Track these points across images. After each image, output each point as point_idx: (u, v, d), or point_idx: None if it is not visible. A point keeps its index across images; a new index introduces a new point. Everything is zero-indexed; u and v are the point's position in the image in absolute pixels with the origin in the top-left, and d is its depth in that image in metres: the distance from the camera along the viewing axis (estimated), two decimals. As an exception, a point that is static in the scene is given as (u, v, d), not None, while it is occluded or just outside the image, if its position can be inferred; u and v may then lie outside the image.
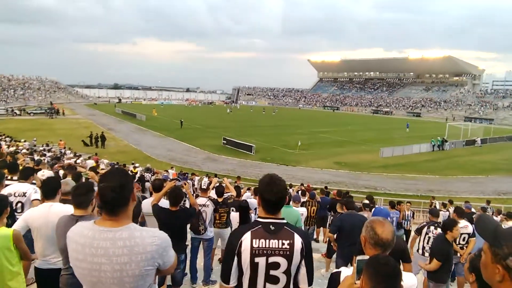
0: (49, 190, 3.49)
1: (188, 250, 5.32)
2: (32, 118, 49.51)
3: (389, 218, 4.09)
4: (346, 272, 2.20)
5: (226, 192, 7.05)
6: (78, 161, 16.96)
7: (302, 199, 8.96)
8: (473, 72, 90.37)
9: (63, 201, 3.56)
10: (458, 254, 6.17)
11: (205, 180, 6.51)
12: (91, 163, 16.37)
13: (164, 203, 4.73)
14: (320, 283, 5.47)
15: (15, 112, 52.79)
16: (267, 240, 2.06)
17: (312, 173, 22.45)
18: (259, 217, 2.17)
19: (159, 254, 1.82)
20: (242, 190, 9.00)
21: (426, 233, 6.31)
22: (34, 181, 5.46)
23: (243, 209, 5.75)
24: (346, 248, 5.47)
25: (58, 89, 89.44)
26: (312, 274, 2.18)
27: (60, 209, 3.26)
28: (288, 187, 14.19)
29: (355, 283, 1.86)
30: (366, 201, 8.60)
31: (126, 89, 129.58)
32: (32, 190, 4.47)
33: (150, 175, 14.81)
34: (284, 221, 2.15)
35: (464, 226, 6.24)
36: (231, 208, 6.51)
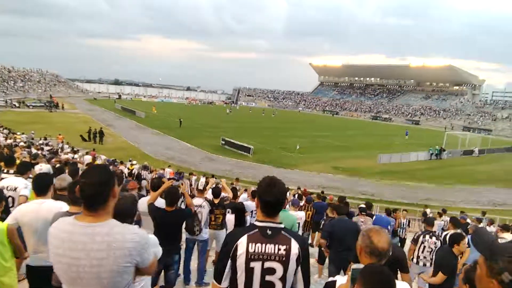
0: (41, 186, 3.44)
1: (182, 251, 5.30)
2: (31, 111, 49.37)
3: (389, 227, 4.10)
4: (341, 280, 2.19)
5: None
6: (76, 156, 16.95)
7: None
8: (474, 82, 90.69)
9: (59, 196, 3.54)
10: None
11: (202, 180, 6.50)
12: (88, 158, 16.35)
13: (160, 202, 4.71)
14: (313, 289, 5.45)
15: (14, 104, 52.60)
16: (264, 245, 2.03)
17: (309, 177, 22.46)
18: (256, 220, 2.14)
19: (137, 251, 1.83)
20: (238, 192, 8.99)
21: (422, 242, 6.32)
22: (31, 176, 5.44)
23: (239, 211, 5.77)
24: (338, 254, 5.45)
25: (58, 82, 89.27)
26: (308, 278, 2.16)
27: (52, 206, 3.22)
28: (285, 191, 14.24)
29: None
30: (363, 205, 8.59)
31: (126, 85, 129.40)
32: (22, 185, 4.39)
33: (147, 173, 14.78)
34: (282, 225, 2.12)
35: (459, 236, 6.25)
36: (227, 210, 6.50)
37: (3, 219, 3.21)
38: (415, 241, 6.41)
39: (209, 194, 6.42)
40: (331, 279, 2.29)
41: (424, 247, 6.29)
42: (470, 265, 2.74)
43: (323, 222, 6.78)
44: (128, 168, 14.40)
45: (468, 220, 11.71)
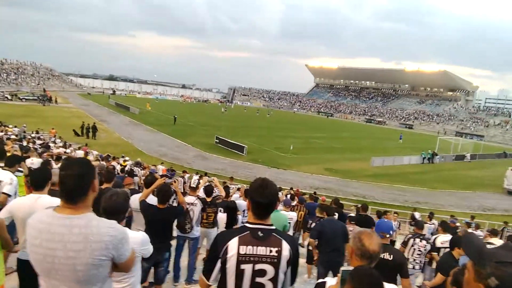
0: (38, 181, 3.41)
1: (172, 248, 5.28)
2: (23, 104, 48.86)
3: (391, 231, 4.12)
4: (331, 282, 2.20)
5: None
6: (68, 150, 16.81)
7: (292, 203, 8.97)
8: (467, 88, 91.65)
9: (52, 191, 3.50)
10: (440, 267, 6.23)
11: (195, 178, 6.48)
12: (80, 153, 16.21)
13: (152, 199, 4.68)
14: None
15: (6, 97, 51.99)
16: (255, 247, 2.02)
17: (302, 178, 22.52)
18: (247, 222, 2.13)
19: (113, 245, 1.84)
20: (231, 191, 8.98)
21: (412, 245, 6.36)
22: (20, 169, 5.36)
23: (231, 210, 5.75)
24: (327, 254, 5.47)
25: (52, 76, 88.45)
26: (295, 277, 2.18)
27: (47, 202, 3.19)
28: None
29: None
30: (352, 214, 8.63)
31: (121, 81, 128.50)
32: (7, 180, 4.24)
33: (139, 169, 14.70)
34: (273, 227, 2.12)
35: (448, 240, 6.31)
36: (219, 209, 6.49)
37: None
38: (405, 243, 6.46)
39: (201, 192, 6.41)
40: (320, 280, 2.30)
41: (414, 249, 6.34)
42: (459, 268, 2.77)
43: (310, 222, 6.81)
44: (121, 164, 14.30)
45: (458, 224, 11.84)
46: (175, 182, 6.47)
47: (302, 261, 7.37)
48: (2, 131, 18.32)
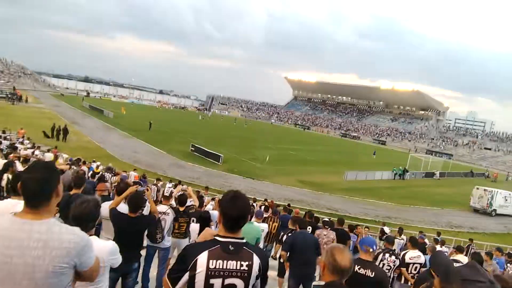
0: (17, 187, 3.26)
1: (142, 258, 5.13)
2: (-10, 102, 46.87)
3: (374, 247, 4.16)
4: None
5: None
6: (36, 152, 16.16)
7: (264, 215, 8.96)
8: (438, 108, 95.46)
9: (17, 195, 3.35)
10: (409, 283, 6.35)
11: (168, 186, 6.37)
12: (49, 156, 15.67)
13: (123, 207, 4.56)
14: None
15: (-28, 94, 49.77)
16: (225, 261, 2.00)
17: (277, 189, 22.58)
18: (218, 235, 2.09)
19: (76, 252, 1.78)
20: (205, 201, 8.88)
21: (381, 260, 6.47)
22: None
23: (204, 220, 5.67)
24: (298, 267, 5.47)
25: (24, 74, 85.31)
26: (264, 286, 2.17)
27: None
28: (252, 202, 14.19)
29: None
30: (326, 219, 8.72)
31: (96, 83, 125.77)
32: None
33: (111, 175, 14.30)
34: (244, 240, 2.10)
35: (417, 256, 6.46)
36: (192, 219, 6.39)
37: None
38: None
39: (174, 201, 6.30)
40: None
41: (383, 264, 6.43)
42: (427, 284, 2.84)
43: (282, 234, 6.84)
44: (94, 171, 13.83)
45: (426, 240, 12.16)
46: (147, 190, 6.33)
47: (274, 274, 7.34)
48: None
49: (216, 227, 6.47)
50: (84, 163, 16.20)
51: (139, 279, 5.35)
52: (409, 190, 29.68)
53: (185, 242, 6.11)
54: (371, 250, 4.02)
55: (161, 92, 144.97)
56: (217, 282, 1.99)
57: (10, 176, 5.53)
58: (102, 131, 36.67)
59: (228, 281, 2.00)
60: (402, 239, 11.54)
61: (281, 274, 6.86)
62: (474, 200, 25.93)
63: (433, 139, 79.70)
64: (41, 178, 1.78)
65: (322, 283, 2.13)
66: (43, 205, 1.79)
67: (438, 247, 9.61)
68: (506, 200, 25.93)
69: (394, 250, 7.34)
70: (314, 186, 24.95)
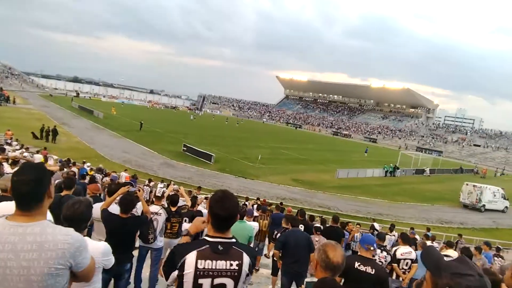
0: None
1: (134, 259, 5.11)
2: (-23, 103, 46.01)
3: (375, 245, 4.19)
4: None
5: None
6: (26, 154, 15.92)
7: (255, 213, 8.97)
8: (428, 106, 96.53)
9: (2, 198, 3.30)
10: (400, 279, 6.43)
11: (160, 186, 6.35)
12: (39, 157, 15.46)
13: (114, 208, 4.52)
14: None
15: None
16: (214, 261, 1.99)
17: (269, 188, 22.62)
18: (207, 235, 2.09)
19: (70, 253, 1.77)
20: (198, 200, 8.86)
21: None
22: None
23: (197, 220, 5.68)
24: (290, 265, 5.50)
25: (11, 75, 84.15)
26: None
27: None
28: (244, 201, 14.19)
29: None
30: (317, 225, 8.76)
31: (86, 84, 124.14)
32: None
33: (101, 176, 14.18)
34: (233, 240, 2.10)
35: (408, 252, 6.54)
36: (184, 218, 6.37)
37: None
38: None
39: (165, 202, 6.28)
40: None
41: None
42: (421, 279, 2.89)
43: (276, 232, 6.87)
44: (87, 172, 13.65)
45: (417, 236, 12.31)
46: (139, 190, 6.29)
47: (267, 272, 7.37)
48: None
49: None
50: (74, 164, 16.04)
51: (132, 279, 5.33)
52: (400, 187, 29.98)
53: (177, 242, 6.08)
54: (372, 248, 4.07)
55: (151, 92, 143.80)
56: (206, 282, 1.98)
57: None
58: (92, 132, 36.29)
59: (217, 281, 2.00)
60: (394, 235, 11.66)
61: (274, 272, 6.87)
62: (463, 196, 26.30)
63: (423, 136, 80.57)
64: (32, 180, 1.75)
65: (315, 279, 2.15)
66: (36, 207, 1.77)
67: (429, 243, 9.73)
68: (495, 195, 26.36)
69: (386, 246, 7.42)
70: (306, 184, 25.05)
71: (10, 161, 10.42)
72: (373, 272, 3.76)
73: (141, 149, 29.97)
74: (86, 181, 9.04)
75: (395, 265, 6.47)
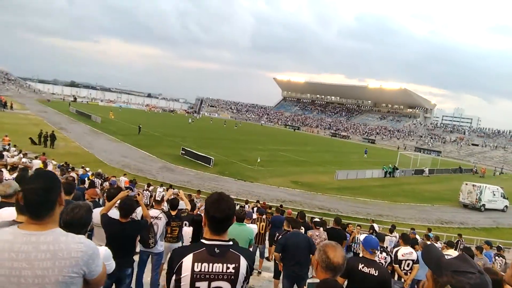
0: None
1: (135, 264, 5.09)
2: (-25, 109, 45.93)
3: (378, 247, 4.26)
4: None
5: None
6: (24, 160, 15.89)
7: (254, 216, 8.99)
8: (426, 106, 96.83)
9: (3, 204, 3.29)
10: (402, 280, 6.42)
11: (159, 190, 6.33)
12: (37, 163, 15.42)
13: (114, 213, 4.51)
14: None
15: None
16: (211, 264, 1.98)
17: (269, 191, 22.60)
18: (203, 238, 2.08)
19: (84, 261, 1.77)
20: (198, 204, 8.85)
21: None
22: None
23: (197, 223, 5.65)
24: (290, 267, 5.49)
25: (7, 80, 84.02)
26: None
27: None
28: (244, 203, 14.19)
29: None
30: (317, 219, 8.77)
31: (83, 88, 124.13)
32: None
33: (100, 181, 14.16)
34: (230, 243, 2.09)
35: (409, 252, 6.53)
36: (184, 222, 6.36)
37: None
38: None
39: (165, 205, 6.27)
40: None
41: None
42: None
43: (277, 235, 6.86)
44: (89, 178, 13.61)
45: (417, 236, 12.31)
46: (139, 194, 6.28)
47: (269, 275, 7.35)
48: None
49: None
50: (73, 169, 16.02)
51: (133, 284, 5.30)
52: (399, 187, 29.99)
53: (178, 246, 6.07)
54: (376, 251, 4.14)
55: (149, 95, 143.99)
56: (203, 285, 1.98)
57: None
58: (90, 136, 36.24)
59: (214, 284, 1.99)
60: (395, 236, 11.66)
61: (276, 275, 6.86)
62: (463, 196, 26.31)
63: (421, 136, 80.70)
64: (43, 188, 1.75)
65: (317, 280, 2.15)
66: (47, 215, 1.77)
67: (433, 243, 9.74)
68: (494, 195, 26.39)
69: (385, 247, 7.42)
70: (305, 186, 25.04)
71: (8, 167, 10.39)
72: (376, 274, 3.80)
73: (140, 153, 29.93)
74: (86, 186, 9.03)
75: (396, 266, 6.47)
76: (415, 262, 6.45)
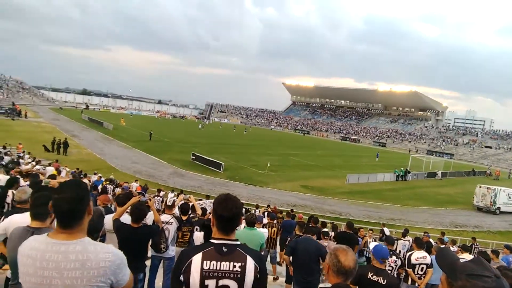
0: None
1: (147, 269, 5.12)
2: (-10, 118, 46.96)
3: (388, 257, 4.35)
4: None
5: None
6: (38, 167, 16.18)
7: (264, 221, 8.95)
8: (437, 108, 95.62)
9: (18, 210, 3.35)
10: (416, 284, 6.32)
11: (171, 196, 6.37)
12: (51, 170, 15.67)
13: (127, 218, 4.55)
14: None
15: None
16: (218, 262, 2.01)
17: (279, 195, 22.53)
18: (212, 238, 2.12)
19: (112, 270, 1.80)
20: (208, 209, 8.87)
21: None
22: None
23: (208, 227, 5.68)
24: (300, 273, 5.45)
25: (22, 89, 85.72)
26: None
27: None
28: (255, 208, 14.17)
29: None
30: (326, 230, 8.68)
31: (95, 96, 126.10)
32: None
33: (112, 186, 14.31)
34: (238, 242, 2.11)
35: (423, 256, 6.43)
36: (195, 227, 6.38)
37: None
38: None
39: (177, 210, 6.30)
40: None
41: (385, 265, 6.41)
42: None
43: (289, 239, 6.82)
44: (103, 184, 13.79)
45: (431, 240, 12.11)
46: (150, 200, 6.33)
47: (281, 280, 7.31)
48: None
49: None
50: (86, 175, 16.24)
51: (145, 290, 5.33)
52: (411, 191, 29.60)
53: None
54: (386, 260, 4.25)
55: (160, 102, 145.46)
56: (211, 283, 2.00)
57: (14, 192, 5.55)
58: (102, 143, 36.68)
59: (221, 282, 2.01)
60: (408, 240, 11.49)
61: (288, 280, 6.82)
62: (477, 199, 25.85)
63: (433, 139, 79.69)
64: (73, 198, 1.78)
65: (329, 285, 2.13)
66: (77, 224, 1.81)
67: (447, 247, 9.58)
68: (510, 197, 25.85)
69: (395, 250, 7.33)
70: (316, 190, 24.89)
71: (23, 174, 10.58)
72: (384, 283, 3.92)
73: (151, 159, 30.17)
74: (99, 191, 9.14)
75: (410, 270, 6.38)
76: (429, 266, 6.35)
